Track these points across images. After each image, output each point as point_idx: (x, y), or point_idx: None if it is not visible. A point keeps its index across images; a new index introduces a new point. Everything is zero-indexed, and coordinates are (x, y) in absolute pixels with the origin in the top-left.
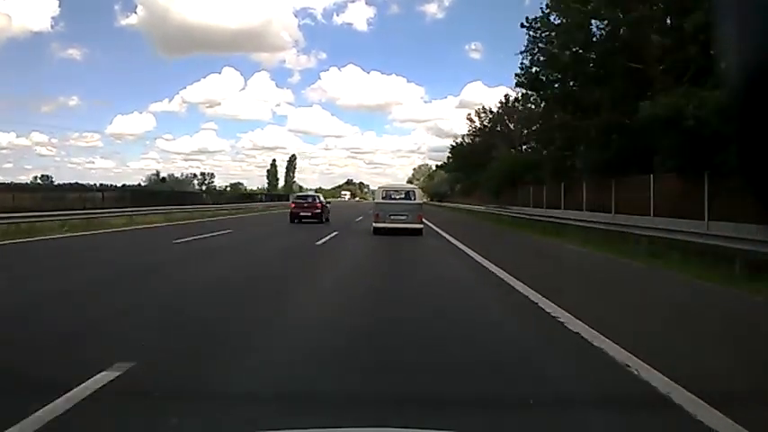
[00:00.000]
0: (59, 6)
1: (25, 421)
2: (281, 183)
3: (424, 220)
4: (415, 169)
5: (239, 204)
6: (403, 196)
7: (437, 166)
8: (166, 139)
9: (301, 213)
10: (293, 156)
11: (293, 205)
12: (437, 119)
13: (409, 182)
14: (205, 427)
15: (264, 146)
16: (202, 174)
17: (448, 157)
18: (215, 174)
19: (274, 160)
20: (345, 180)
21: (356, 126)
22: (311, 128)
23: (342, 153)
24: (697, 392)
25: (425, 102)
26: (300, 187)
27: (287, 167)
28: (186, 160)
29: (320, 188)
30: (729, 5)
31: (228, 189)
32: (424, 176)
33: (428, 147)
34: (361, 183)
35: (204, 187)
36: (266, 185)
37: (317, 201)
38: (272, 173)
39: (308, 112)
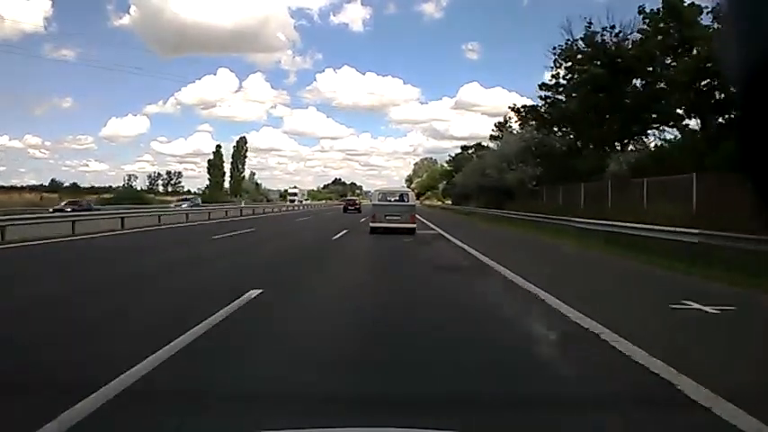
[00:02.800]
0: (52, 7)
1: None
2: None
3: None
4: (416, 164)
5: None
6: (397, 198)
7: (498, 124)
8: (161, 142)
9: (349, 208)
10: (242, 139)
11: (344, 204)
12: (433, 120)
13: (409, 179)
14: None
15: (259, 148)
16: (168, 173)
17: (543, 100)
18: (182, 173)
19: (219, 147)
20: (333, 180)
21: (352, 128)
22: (307, 130)
23: (337, 155)
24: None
25: (421, 103)
26: (257, 185)
27: (233, 156)
28: (181, 162)
29: (275, 190)
30: (734, 5)
31: (206, 191)
32: (428, 173)
33: (424, 148)
34: (353, 183)
35: (170, 189)
36: (206, 182)
37: (357, 201)
38: (215, 164)
39: (304, 113)
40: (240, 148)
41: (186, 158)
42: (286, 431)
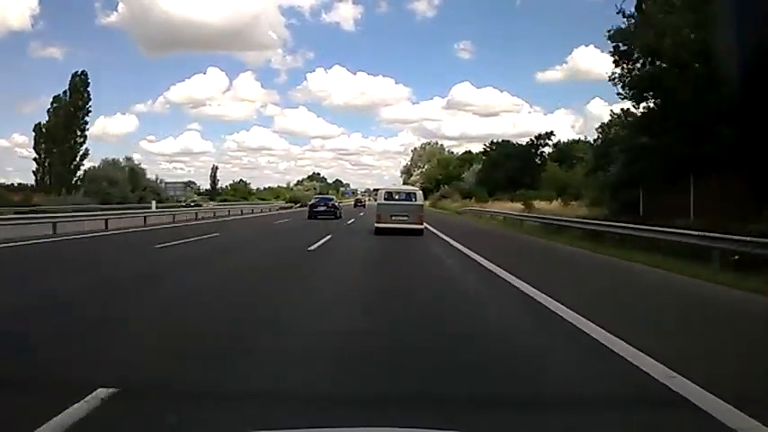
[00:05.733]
0: (39, 4)
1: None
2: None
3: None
4: (415, 151)
5: None
6: (404, 197)
7: None
8: (150, 141)
9: (358, 204)
10: (80, 78)
11: (355, 201)
12: (424, 120)
13: (406, 171)
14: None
15: (250, 147)
16: None
17: None
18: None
19: (57, 101)
20: (309, 175)
21: (342, 127)
22: (297, 129)
23: (328, 154)
24: None
25: (413, 103)
26: (133, 170)
27: (64, 117)
28: (170, 162)
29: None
30: (732, 5)
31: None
32: (435, 160)
33: (407, 161)
34: (338, 180)
35: None
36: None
37: (364, 200)
38: (53, 135)
39: (295, 113)
40: (77, 102)
41: (175, 158)
42: (286, 431)
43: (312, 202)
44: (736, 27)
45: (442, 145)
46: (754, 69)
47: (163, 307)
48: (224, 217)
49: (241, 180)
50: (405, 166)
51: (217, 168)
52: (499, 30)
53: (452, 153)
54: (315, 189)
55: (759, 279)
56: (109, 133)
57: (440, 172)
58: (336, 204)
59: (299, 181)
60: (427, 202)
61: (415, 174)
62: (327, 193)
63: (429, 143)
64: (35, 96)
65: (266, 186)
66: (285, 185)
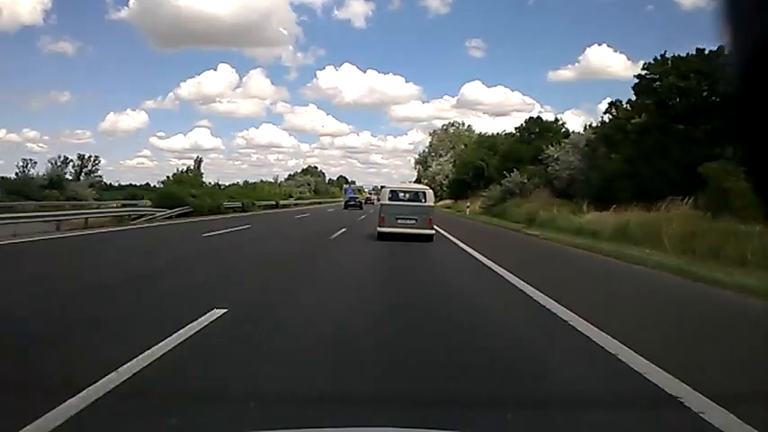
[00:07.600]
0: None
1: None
2: None
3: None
4: (435, 134)
5: None
6: (411, 197)
7: None
8: (159, 137)
9: (368, 202)
10: None
11: (365, 199)
12: (434, 118)
13: (422, 162)
14: (204, 427)
15: (259, 144)
16: (80, 156)
17: None
18: (100, 157)
19: None
20: (303, 169)
21: (352, 125)
22: (307, 126)
23: (337, 152)
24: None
25: (423, 101)
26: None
27: None
28: (180, 158)
29: None
30: (730, 2)
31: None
32: (477, 140)
33: (425, 146)
34: (342, 177)
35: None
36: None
37: (373, 198)
38: None
39: (304, 110)
40: None
41: (185, 154)
42: (285, 431)
43: (346, 198)
44: (738, 25)
45: (470, 126)
46: (756, 66)
47: None
48: None
49: (188, 168)
50: (420, 155)
51: (201, 160)
52: (511, 28)
53: (482, 134)
54: (309, 185)
55: None
56: (118, 129)
57: (480, 156)
58: (361, 200)
59: (290, 175)
60: (474, 206)
61: (435, 164)
62: (328, 191)
63: (452, 123)
64: (45, 91)
65: (237, 181)
66: (273, 180)
